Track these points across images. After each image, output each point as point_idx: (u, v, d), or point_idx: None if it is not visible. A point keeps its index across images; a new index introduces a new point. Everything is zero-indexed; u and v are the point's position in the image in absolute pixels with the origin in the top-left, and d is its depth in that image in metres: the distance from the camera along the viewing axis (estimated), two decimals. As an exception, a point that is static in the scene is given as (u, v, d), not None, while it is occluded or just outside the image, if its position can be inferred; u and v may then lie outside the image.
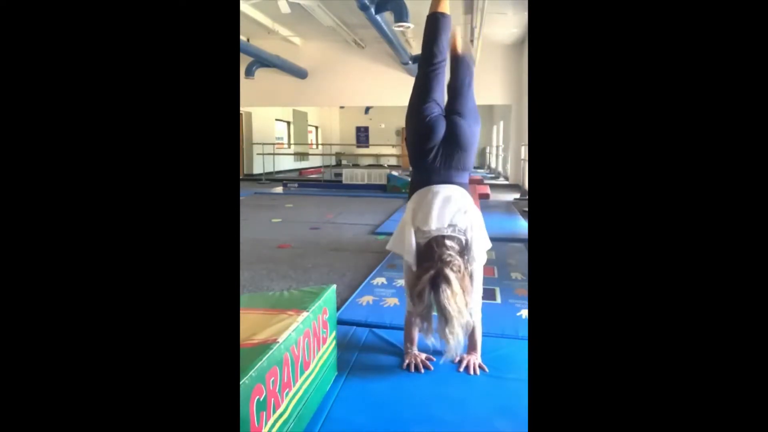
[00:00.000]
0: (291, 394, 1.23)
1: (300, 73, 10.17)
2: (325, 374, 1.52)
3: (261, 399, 1.06)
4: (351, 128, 18.77)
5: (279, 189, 9.06)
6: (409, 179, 2.27)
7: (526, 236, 3.59)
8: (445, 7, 1.83)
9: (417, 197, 1.70)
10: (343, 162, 16.92)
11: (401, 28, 6.72)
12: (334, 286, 1.67)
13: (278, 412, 1.15)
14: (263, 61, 9.04)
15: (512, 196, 7.74)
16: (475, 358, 1.71)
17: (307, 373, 1.35)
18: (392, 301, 2.38)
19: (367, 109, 17.66)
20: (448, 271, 1.45)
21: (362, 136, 18.48)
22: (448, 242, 1.52)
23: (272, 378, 1.12)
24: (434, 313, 1.47)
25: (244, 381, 0.99)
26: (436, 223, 1.57)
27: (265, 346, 1.13)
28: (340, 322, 1.96)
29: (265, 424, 1.09)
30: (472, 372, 1.66)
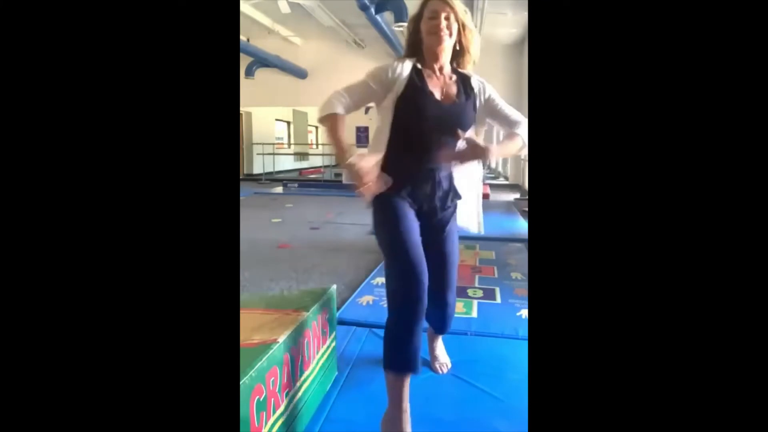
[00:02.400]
0: (291, 394, 1.23)
1: (300, 73, 10.17)
2: (325, 374, 1.52)
3: (261, 399, 1.06)
4: (351, 128, 18.74)
5: (279, 189, 9.06)
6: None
7: (526, 236, 3.59)
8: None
9: None
10: (343, 162, 16.87)
11: (401, 28, 6.73)
12: (334, 286, 1.67)
13: (278, 412, 1.15)
14: (263, 61, 9.05)
15: (512, 196, 7.74)
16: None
17: (307, 373, 1.35)
18: (392, 301, 2.38)
19: (367, 109, 17.57)
20: None
21: (362, 136, 18.44)
22: None
23: (272, 378, 1.12)
24: None
25: (244, 381, 0.99)
26: None
27: (265, 346, 1.13)
28: (340, 322, 1.96)
29: (265, 424, 1.09)
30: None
